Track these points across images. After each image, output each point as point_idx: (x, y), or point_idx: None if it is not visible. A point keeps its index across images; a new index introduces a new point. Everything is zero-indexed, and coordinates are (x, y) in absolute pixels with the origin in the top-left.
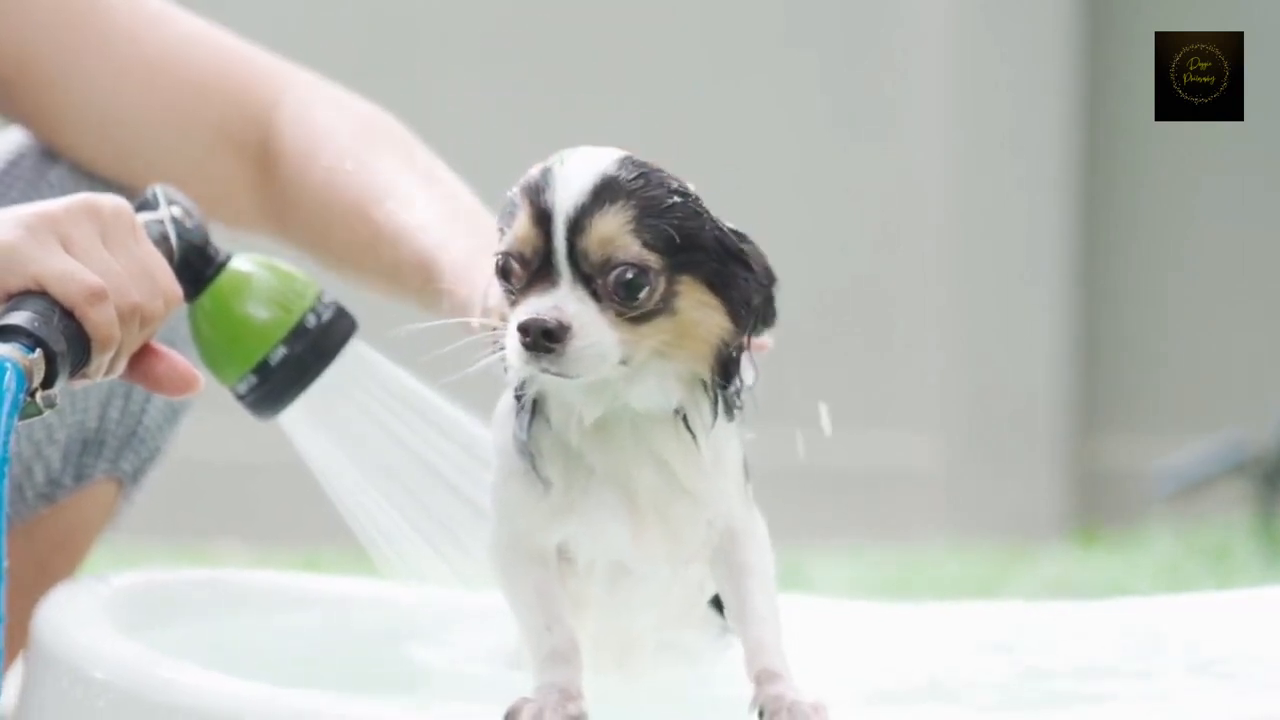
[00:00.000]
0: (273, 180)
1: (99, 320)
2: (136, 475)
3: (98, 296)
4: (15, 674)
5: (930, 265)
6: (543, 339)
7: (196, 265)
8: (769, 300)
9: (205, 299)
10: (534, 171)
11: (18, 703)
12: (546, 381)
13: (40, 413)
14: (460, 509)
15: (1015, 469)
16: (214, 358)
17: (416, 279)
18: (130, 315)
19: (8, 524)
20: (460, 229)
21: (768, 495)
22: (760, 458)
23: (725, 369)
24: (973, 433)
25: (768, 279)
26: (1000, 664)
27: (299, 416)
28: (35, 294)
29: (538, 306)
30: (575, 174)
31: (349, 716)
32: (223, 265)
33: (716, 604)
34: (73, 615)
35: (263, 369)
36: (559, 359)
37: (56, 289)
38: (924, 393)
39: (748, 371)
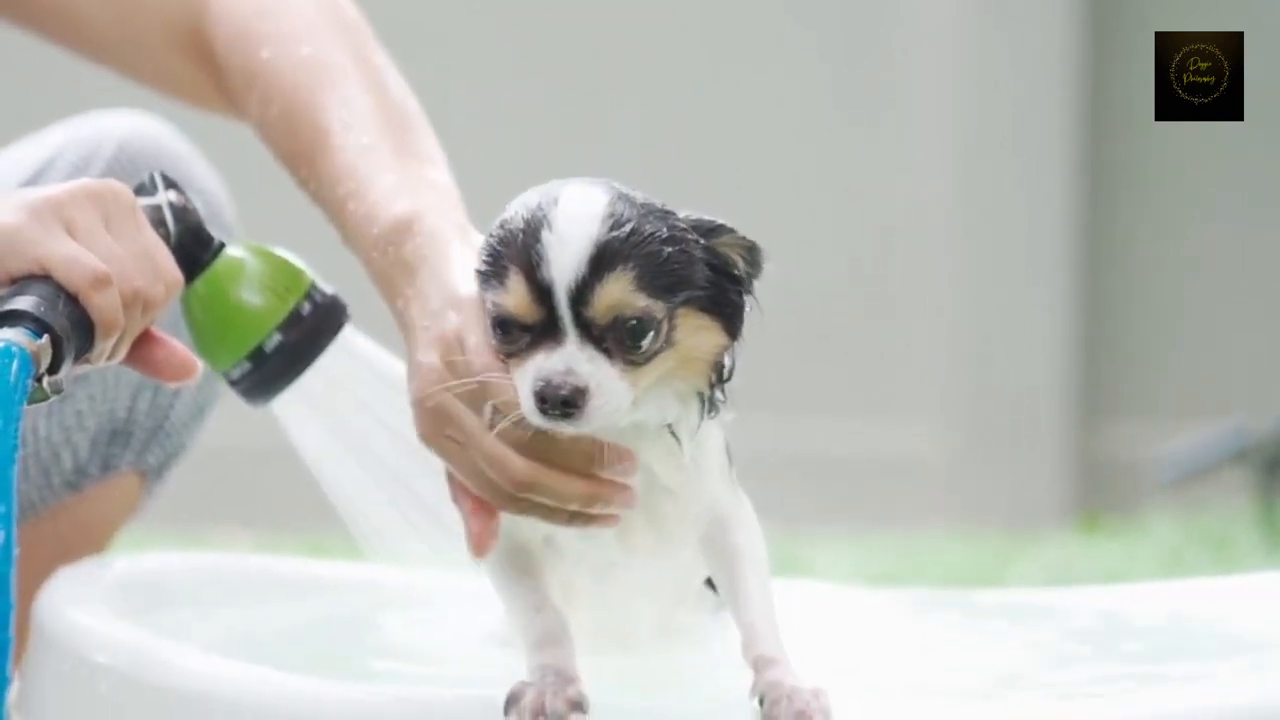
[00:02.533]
0: (213, 66)
1: (103, 305)
2: (161, 470)
3: (102, 282)
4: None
5: (932, 256)
6: (562, 406)
7: (192, 250)
8: (753, 261)
9: (200, 285)
10: (518, 225)
11: (20, 686)
12: None
13: (47, 398)
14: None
15: (1017, 457)
16: (207, 343)
17: (335, 210)
18: (133, 300)
19: (16, 510)
20: (386, 163)
21: (770, 483)
22: (764, 446)
23: (720, 375)
24: (975, 421)
25: (750, 255)
26: (1003, 650)
27: (291, 402)
28: (39, 278)
29: (549, 370)
30: (569, 241)
31: (349, 701)
32: (218, 251)
33: (709, 582)
34: (74, 599)
35: (257, 356)
36: (575, 419)
37: (61, 273)
38: (926, 382)
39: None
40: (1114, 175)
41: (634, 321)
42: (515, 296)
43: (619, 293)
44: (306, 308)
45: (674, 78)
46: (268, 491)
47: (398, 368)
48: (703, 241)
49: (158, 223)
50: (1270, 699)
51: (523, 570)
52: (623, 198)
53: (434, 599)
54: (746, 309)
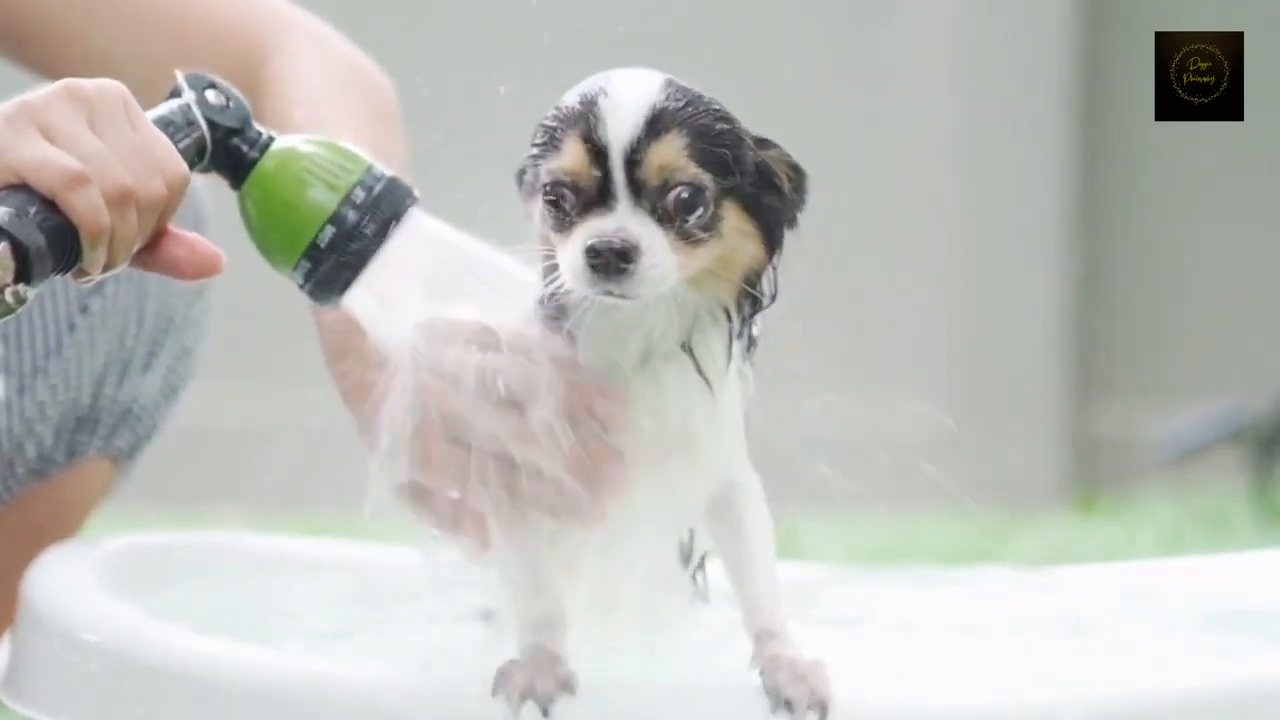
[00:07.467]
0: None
1: (82, 206)
2: (132, 452)
3: (78, 181)
4: (6, 637)
5: (928, 235)
6: (616, 260)
7: (236, 150)
8: (799, 189)
9: (249, 185)
10: (573, 101)
11: (8, 666)
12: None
13: (12, 310)
14: None
15: (1013, 437)
16: (266, 247)
17: None
18: (121, 199)
19: None
20: None
21: (762, 461)
22: (756, 425)
23: (748, 298)
24: (971, 401)
25: (796, 177)
26: (1000, 630)
27: (371, 303)
28: (15, 188)
29: (602, 229)
30: (625, 105)
31: (340, 680)
32: (265, 147)
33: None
34: (64, 578)
35: (313, 252)
36: (626, 280)
37: (32, 178)
38: (922, 360)
39: (769, 290)
40: (1111, 154)
41: (685, 191)
42: (571, 157)
43: (671, 153)
44: (360, 195)
45: (672, 65)
46: (261, 471)
47: (480, 252)
48: (754, 145)
49: (186, 123)
50: (1267, 677)
51: (532, 550)
52: (682, 86)
53: (429, 578)
54: (786, 226)
